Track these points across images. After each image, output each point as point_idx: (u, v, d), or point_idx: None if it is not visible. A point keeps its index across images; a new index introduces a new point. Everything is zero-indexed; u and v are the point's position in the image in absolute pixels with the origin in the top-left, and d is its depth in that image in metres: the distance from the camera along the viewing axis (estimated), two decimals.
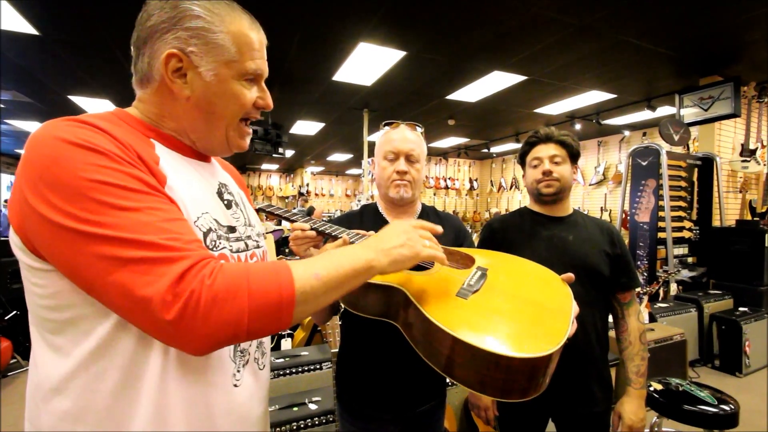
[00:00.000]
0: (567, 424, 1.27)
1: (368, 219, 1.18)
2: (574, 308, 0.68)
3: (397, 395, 1.06)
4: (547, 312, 0.66)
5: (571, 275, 0.75)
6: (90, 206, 0.47)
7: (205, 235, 0.61)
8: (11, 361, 3.30)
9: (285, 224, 4.37)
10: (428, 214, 1.24)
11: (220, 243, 0.63)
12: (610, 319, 1.35)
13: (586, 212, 6.96)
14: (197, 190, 0.64)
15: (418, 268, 0.80)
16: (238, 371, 0.65)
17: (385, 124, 1.21)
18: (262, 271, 0.51)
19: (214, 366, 0.60)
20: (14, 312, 3.44)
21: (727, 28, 3.35)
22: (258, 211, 0.94)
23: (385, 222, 1.17)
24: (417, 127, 1.21)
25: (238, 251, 0.67)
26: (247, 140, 0.71)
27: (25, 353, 3.46)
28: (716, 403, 1.65)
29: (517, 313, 0.66)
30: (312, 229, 0.84)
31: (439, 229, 0.72)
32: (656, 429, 1.88)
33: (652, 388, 1.79)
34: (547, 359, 0.56)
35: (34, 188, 0.48)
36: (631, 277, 1.28)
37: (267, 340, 0.77)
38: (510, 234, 1.34)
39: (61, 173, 0.48)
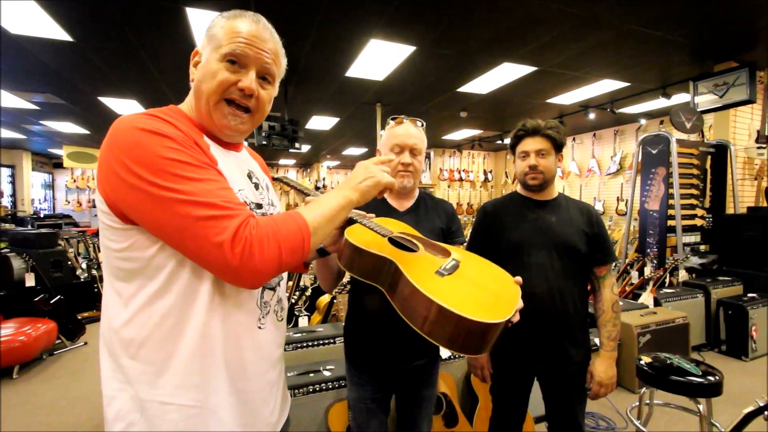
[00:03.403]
0: (548, 382, 1.43)
1: (372, 201, 1.34)
2: (520, 302, 0.84)
3: (396, 351, 1.23)
4: (499, 299, 0.84)
5: (520, 279, 0.91)
6: (168, 177, 0.63)
7: None
8: (56, 342, 3.62)
9: None
10: (424, 199, 1.39)
11: None
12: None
13: (601, 202, 6.91)
14: (234, 172, 0.81)
15: (406, 249, 0.97)
16: (263, 317, 0.82)
17: (391, 119, 1.35)
18: (284, 220, 0.70)
19: (245, 309, 0.78)
20: (58, 297, 3.76)
21: (741, 13, 3.33)
22: (276, 180, 1.11)
23: (387, 205, 1.33)
24: (418, 122, 1.34)
25: None
26: (231, 120, 0.78)
27: (68, 334, 3.78)
28: (701, 374, 1.76)
29: (478, 295, 0.84)
30: None
31: (392, 157, 1.06)
32: (647, 400, 2.00)
33: (642, 362, 1.91)
34: (494, 326, 0.75)
35: (123, 165, 0.63)
36: (606, 253, 1.41)
37: (284, 298, 0.95)
38: (501, 216, 1.49)
39: (143, 153, 0.63)
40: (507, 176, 10.63)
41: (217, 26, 0.77)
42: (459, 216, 1.35)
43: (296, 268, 1.10)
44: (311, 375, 1.84)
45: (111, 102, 5.79)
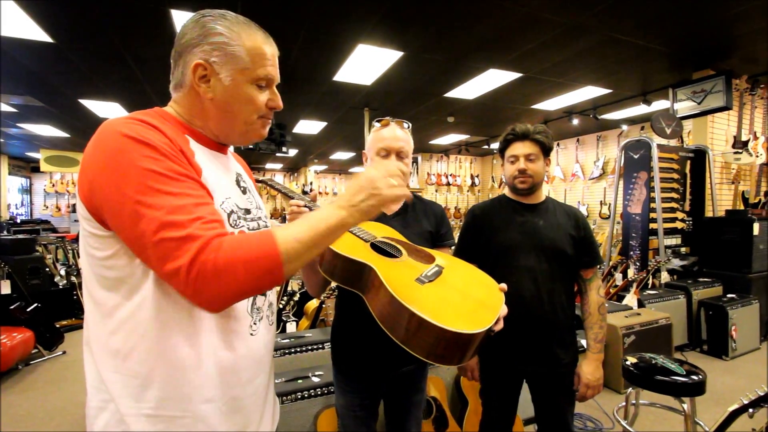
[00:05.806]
0: (537, 384, 1.44)
1: None
2: (503, 309, 0.81)
3: (384, 358, 1.21)
4: (481, 307, 0.81)
5: (504, 286, 0.89)
6: (142, 189, 0.61)
7: (229, 215, 0.76)
8: (33, 351, 3.49)
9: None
10: (413, 201, 1.37)
11: (239, 222, 0.79)
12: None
13: (585, 206, 7.00)
14: (222, 179, 0.80)
15: (388, 255, 0.95)
16: (255, 323, 0.80)
17: (376, 121, 1.34)
18: (250, 242, 0.62)
19: (236, 317, 0.76)
20: (35, 305, 3.64)
21: (717, 23, 3.44)
22: (261, 182, 1.09)
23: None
24: (405, 124, 1.31)
25: (252, 229, 0.83)
26: (266, 131, 0.84)
27: (46, 344, 3.65)
28: (685, 373, 1.80)
29: (459, 303, 0.82)
30: (305, 206, 0.98)
31: (406, 170, 0.82)
32: (633, 400, 2.03)
33: (628, 362, 1.93)
34: (474, 336, 0.72)
35: (103, 171, 0.62)
36: (593, 256, 1.43)
37: (275, 302, 0.93)
38: (489, 218, 1.49)
39: (123, 161, 0.62)
40: (494, 180, 10.74)
41: (234, 44, 0.73)
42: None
43: None
44: (300, 381, 1.81)
45: (92, 104, 5.65)
